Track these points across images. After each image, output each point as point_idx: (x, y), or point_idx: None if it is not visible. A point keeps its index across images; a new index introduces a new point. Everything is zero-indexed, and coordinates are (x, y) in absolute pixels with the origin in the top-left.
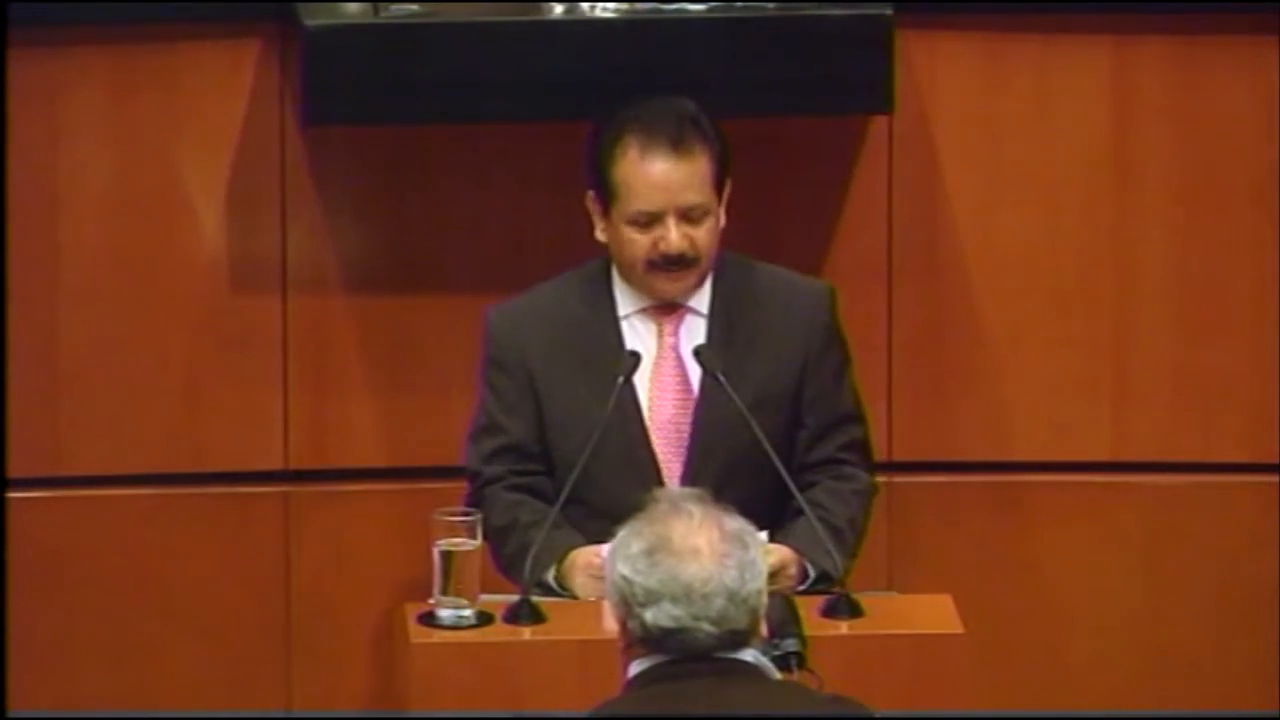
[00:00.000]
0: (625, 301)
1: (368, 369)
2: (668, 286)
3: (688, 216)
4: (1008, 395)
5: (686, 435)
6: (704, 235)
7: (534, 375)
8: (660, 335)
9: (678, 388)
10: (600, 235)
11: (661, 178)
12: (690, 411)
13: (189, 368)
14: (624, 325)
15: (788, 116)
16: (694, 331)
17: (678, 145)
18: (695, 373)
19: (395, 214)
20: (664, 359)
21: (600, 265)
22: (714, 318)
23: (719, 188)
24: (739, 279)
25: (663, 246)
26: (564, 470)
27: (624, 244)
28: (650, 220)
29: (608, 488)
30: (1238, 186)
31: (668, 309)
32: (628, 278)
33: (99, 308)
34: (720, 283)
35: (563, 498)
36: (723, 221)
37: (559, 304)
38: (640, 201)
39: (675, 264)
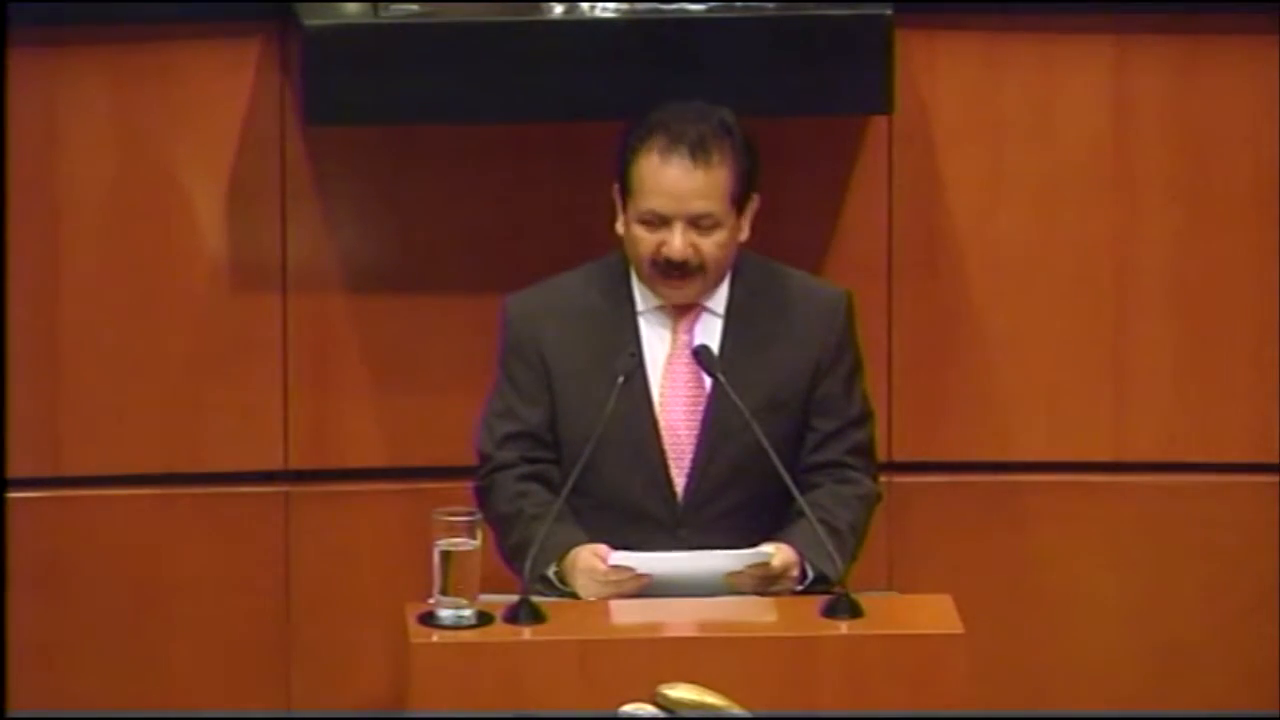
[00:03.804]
0: (643, 297)
1: (368, 369)
2: (669, 292)
3: (696, 225)
4: (1008, 395)
5: (696, 433)
6: (710, 246)
7: (549, 365)
8: (675, 333)
9: (690, 386)
10: (619, 228)
11: (675, 182)
12: (701, 410)
13: (189, 368)
14: (640, 321)
15: (788, 116)
16: (709, 330)
17: (697, 153)
18: None
19: (395, 214)
20: (678, 356)
21: (620, 259)
22: (730, 318)
23: (738, 201)
24: (757, 280)
25: (665, 250)
26: (572, 460)
27: (634, 240)
28: (659, 222)
29: (614, 481)
30: (1238, 186)
31: (684, 307)
32: (637, 273)
33: (99, 308)
34: (738, 283)
35: (566, 490)
36: (744, 235)
37: (578, 296)
38: (651, 202)
39: (677, 270)
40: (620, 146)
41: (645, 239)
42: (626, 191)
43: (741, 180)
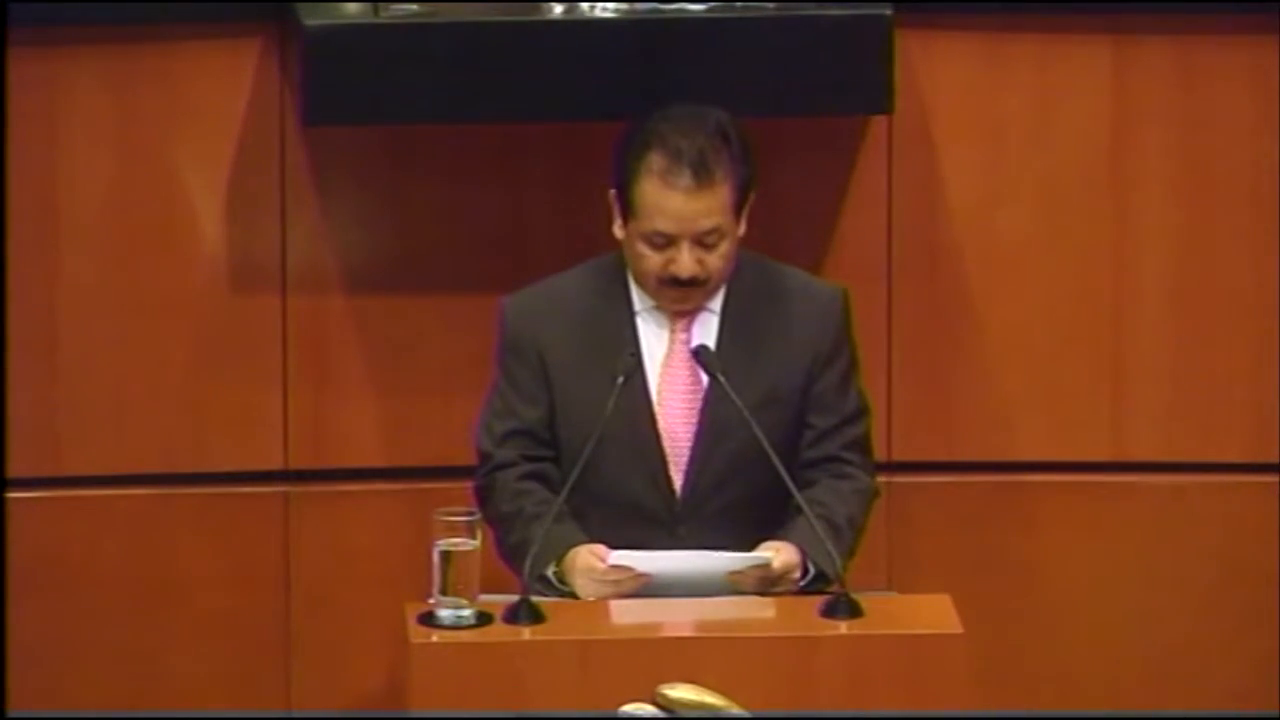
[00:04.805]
0: (640, 297)
1: (368, 369)
2: (675, 305)
3: (702, 241)
4: (1008, 395)
5: (694, 430)
6: (716, 259)
7: (547, 364)
8: (673, 331)
9: (688, 383)
10: (617, 233)
11: (679, 206)
12: (698, 407)
13: (189, 368)
14: (638, 320)
15: (788, 116)
16: (706, 329)
17: (699, 173)
18: None
19: (395, 214)
20: (675, 354)
21: (616, 259)
22: (726, 316)
23: (739, 208)
24: (754, 278)
25: (673, 269)
26: (571, 459)
27: (638, 257)
28: (664, 242)
29: (614, 479)
30: (1238, 186)
31: None
32: (641, 286)
33: (99, 308)
34: (735, 282)
35: (566, 489)
36: (742, 230)
37: (575, 295)
38: (656, 224)
39: (685, 285)
40: (617, 156)
41: (651, 258)
42: (628, 208)
43: (742, 187)
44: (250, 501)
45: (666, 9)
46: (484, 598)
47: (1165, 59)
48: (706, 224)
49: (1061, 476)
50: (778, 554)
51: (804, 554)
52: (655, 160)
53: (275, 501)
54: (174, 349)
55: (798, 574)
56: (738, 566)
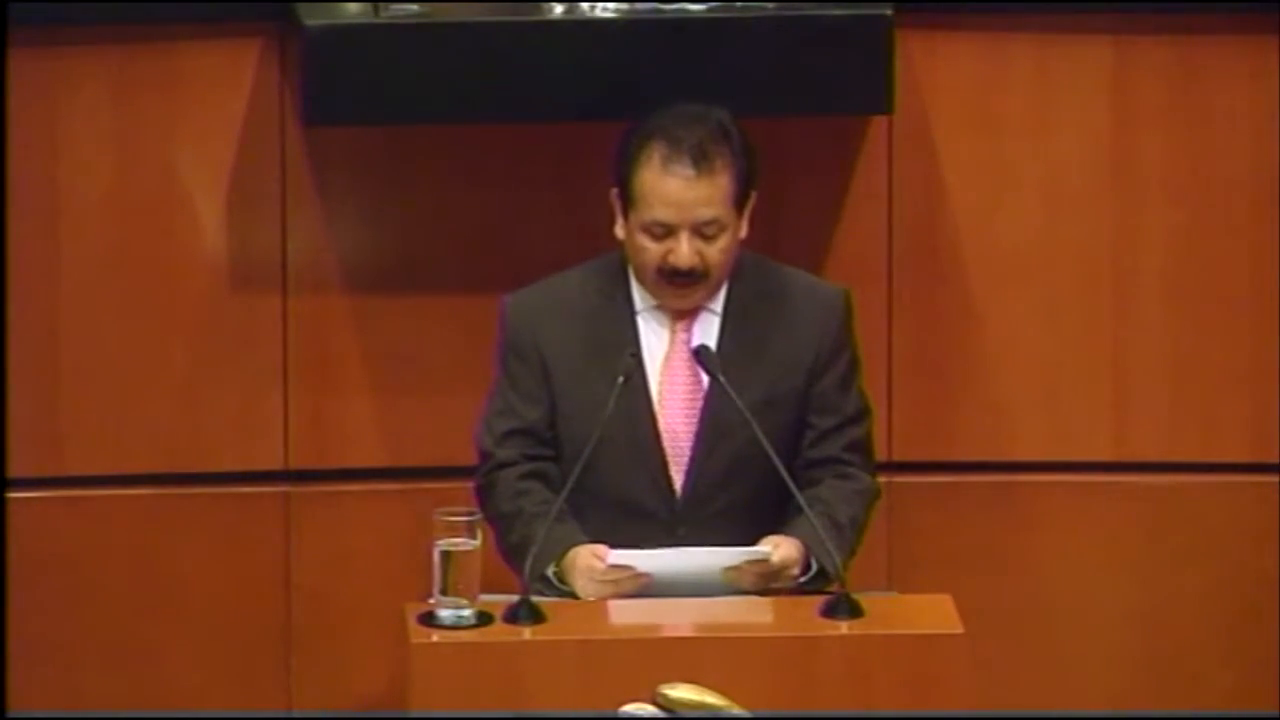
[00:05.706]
0: (641, 296)
1: (368, 369)
2: (675, 300)
3: (701, 232)
4: (1008, 395)
5: (694, 430)
6: (715, 252)
7: (548, 363)
8: (674, 331)
9: (688, 383)
10: (619, 232)
11: (678, 193)
12: (699, 407)
13: (189, 368)
14: (639, 320)
15: (788, 116)
16: (707, 329)
17: (699, 162)
18: None
19: (395, 214)
20: (676, 354)
21: (618, 259)
22: (728, 316)
23: (740, 203)
24: (756, 279)
25: (672, 259)
26: (571, 458)
27: (637, 249)
28: (664, 232)
29: (614, 479)
30: (1238, 186)
31: None
32: (640, 280)
33: (99, 308)
34: (737, 282)
35: (566, 489)
36: (744, 232)
37: (576, 295)
38: (655, 213)
39: (684, 278)
40: (618, 153)
41: (651, 249)
42: (628, 200)
43: (742, 182)
44: (250, 501)
45: (666, 9)
46: (484, 598)
47: (1165, 59)
48: (706, 214)
49: (1061, 476)
50: (777, 548)
51: (805, 549)
52: (656, 149)
53: (275, 501)
54: (174, 349)
55: (797, 569)
56: (737, 561)
